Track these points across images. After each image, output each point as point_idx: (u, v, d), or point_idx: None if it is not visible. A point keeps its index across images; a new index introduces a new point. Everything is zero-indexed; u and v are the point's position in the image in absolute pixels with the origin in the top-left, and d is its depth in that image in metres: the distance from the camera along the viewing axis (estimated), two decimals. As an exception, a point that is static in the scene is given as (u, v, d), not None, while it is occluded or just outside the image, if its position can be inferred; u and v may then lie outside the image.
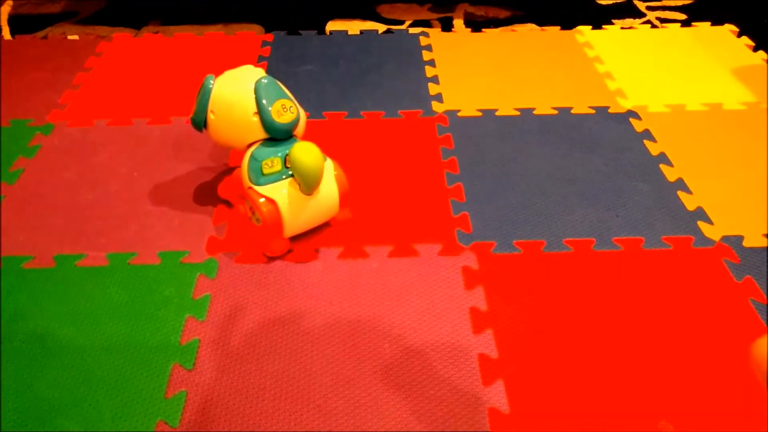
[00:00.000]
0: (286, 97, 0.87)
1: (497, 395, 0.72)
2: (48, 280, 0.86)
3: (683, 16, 1.57)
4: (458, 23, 1.55)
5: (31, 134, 1.13)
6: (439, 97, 1.25)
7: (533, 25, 1.53)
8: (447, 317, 0.81)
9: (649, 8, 1.62)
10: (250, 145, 0.88)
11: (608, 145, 1.12)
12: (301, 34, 1.49)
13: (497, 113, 1.21)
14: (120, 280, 0.86)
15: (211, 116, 0.87)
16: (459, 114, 1.21)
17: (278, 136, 0.87)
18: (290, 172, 0.85)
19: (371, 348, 0.77)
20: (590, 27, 1.52)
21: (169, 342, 0.78)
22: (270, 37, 1.47)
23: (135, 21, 1.55)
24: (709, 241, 0.92)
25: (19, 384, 0.73)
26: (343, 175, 0.91)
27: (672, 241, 0.92)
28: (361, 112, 1.21)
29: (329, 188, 0.89)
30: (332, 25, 1.54)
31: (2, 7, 1.59)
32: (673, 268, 0.88)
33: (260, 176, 0.85)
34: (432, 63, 1.37)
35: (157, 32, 1.50)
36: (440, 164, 1.08)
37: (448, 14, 1.60)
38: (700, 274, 0.87)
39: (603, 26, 1.52)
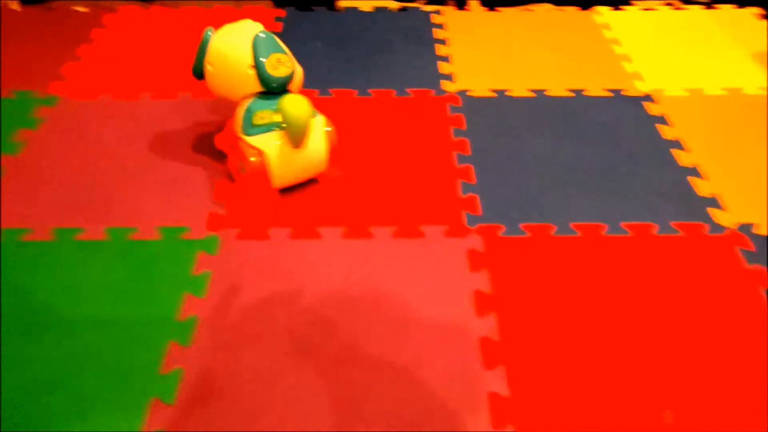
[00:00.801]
0: (281, 51, 0.89)
1: (498, 379, 0.70)
2: (46, 254, 0.85)
3: (706, -2, 1.52)
4: (473, 2, 1.51)
5: (33, 106, 1.12)
6: (450, 77, 1.22)
7: (550, 5, 1.49)
8: (450, 299, 0.79)
9: (670, -11, 1.56)
10: (245, 97, 0.89)
11: (621, 129, 1.09)
12: (312, 10, 1.46)
13: (510, 94, 1.18)
14: (119, 255, 0.85)
15: (208, 68, 0.90)
16: (471, 94, 1.17)
17: (273, 89, 0.88)
18: (279, 126, 0.87)
19: (371, 329, 0.76)
20: (609, 8, 1.47)
21: (167, 318, 0.77)
22: (282, 12, 1.44)
23: (144, -6, 1.52)
24: (722, 228, 0.89)
25: (14, 359, 0.72)
26: (335, 132, 0.92)
27: (683, 227, 0.89)
28: (371, 90, 1.18)
29: (318, 143, 0.91)
30: (344, 2, 1.50)
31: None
32: (684, 255, 0.85)
33: (250, 127, 0.88)
34: (444, 42, 1.34)
35: (165, 5, 1.48)
36: (450, 144, 1.05)
37: (463, -8, 1.55)
38: (712, 262, 0.84)
39: (622, 7, 1.48)
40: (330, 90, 1.18)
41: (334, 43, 1.33)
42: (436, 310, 0.78)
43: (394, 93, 1.18)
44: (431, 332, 0.75)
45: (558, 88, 1.19)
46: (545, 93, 1.18)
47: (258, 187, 0.90)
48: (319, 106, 1.13)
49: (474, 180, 0.98)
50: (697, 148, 1.03)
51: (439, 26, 1.40)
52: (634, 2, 1.50)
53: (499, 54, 1.30)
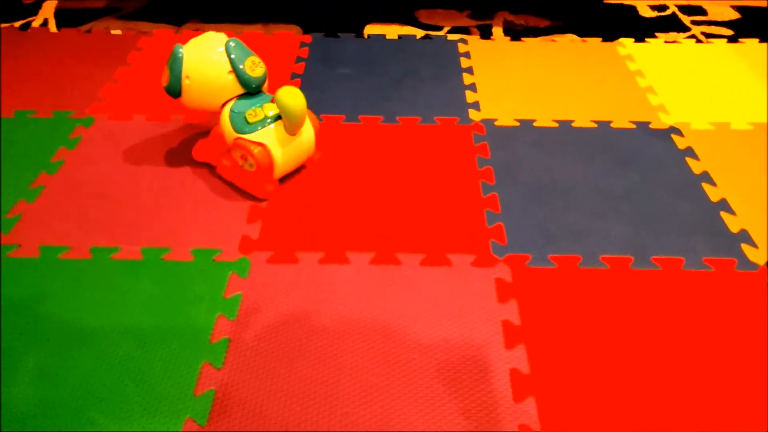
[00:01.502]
0: (253, 54, 0.97)
1: (528, 412, 0.70)
2: (84, 272, 0.87)
3: (729, 32, 1.53)
4: (497, 31, 1.54)
5: (72, 126, 1.15)
6: (476, 105, 1.24)
7: (574, 36, 1.51)
8: (479, 330, 0.80)
9: (694, 23, 1.58)
10: (225, 104, 0.97)
11: (649, 162, 1.09)
12: (339, 37, 1.49)
13: (535, 124, 1.19)
14: (153, 275, 0.87)
15: (186, 81, 0.95)
16: (496, 123, 1.19)
17: (253, 89, 0.97)
18: (272, 119, 0.95)
19: (401, 357, 0.76)
20: (633, 40, 1.49)
21: (200, 340, 0.78)
22: (308, 38, 1.48)
23: (176, 18, 1.57)
24: (754, 265, 0.89)
25: (51, 373, 0.74)
26: (315, 117, 1.02)
27: (713, 263, 0.89)
28: (397, 117, 1.20)
29: (308, 129, 1.00)
30: (370, 29, 1.54)
31: (49, 1, 1.63)
32: (714, 291, 0.85)
33: (246, 125, 0.95)
34: (470, 70, 1.36)
35: (197, 29, 1.52)
36: (476, 173, 1.06)
37: (487, 22, 1.58)
38: (743, 299, 0.84)
39: (646, 39, 1.49)
40: (358, 116, 1.20)
41: (361, 69, 1.36)
42: (465, 341, 0.78)
43: (419, 120, 1.20)
44: (461, 362, 0.76)
45: (583, 119, 1.20)
46: (570, 124, 1.19)
47: (263, 179, 0.97)
48: (347, 133, 1.15)
49: (499, 209, 0.99)
50: (725, 183, 1.04)
51: (465, 55, 1.42)
52: (657, 35, 1.52)
53: (524, 84, 1.32)
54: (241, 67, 0.95)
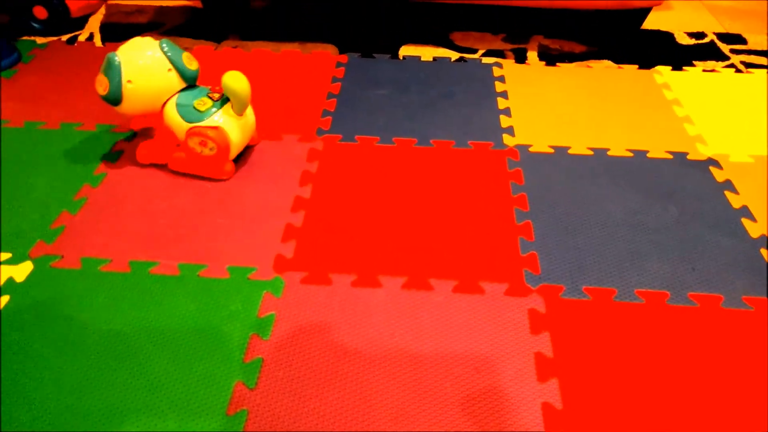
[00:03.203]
0: (185, 50, 1.05)
1: (561, 449, 0.70)
2: (123, 285, 0.89)
3: (770, 62, 1.51)
4: (532, 55, 1.54)
5: (114, 139, 1.18)
6: (510, 130, 1.24)
7: (609, 62, 1.51)
8: (511, 361, 0.80)
9: (733, 51, 1.56)
10: (166, 102, 1.04)
11: (686, 194, 1.08)
12: (374, 57, 1.51)
13: (570, 151, 1.19)
14: (190, 291, 0.88)
15: (128, 85, 1.00)
16: (530, 149, 1.19)
17: (192, 82, 1.06)
18: (220, 105, 1.04)
19: (433, 385, 0.76)
20: (670, 68, 1.48)
21: (234, 358, 0.79)
22: (344, 58, 1.50)
23: (216, 35, 1.60)
24: (794, 305, 0.87)
25: (88, 384, 0.75)
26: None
27: (754, 302, 0.88)
28: (431, 141, 1.21)
29: (250, 112, 1.10)
30: (405, 50, 1.55)
31: (95, 16, 1.68)
32: (754, 332, 0.83)
33: (198, 114, 1.03)
34: (504, 95, 1.36)
35: (236, 47, 1.55)
36: (510, 200, 1.06)
37: (522, 45, 1.59)
38: (783, 341, 0.82)
39: (683, 68, 1.48)
40: (392, 138, 1.21)
41: (396, 91, 1.37)
42: (497, 372, 0.78)
43: (453, 144, 1.20)
44: (493, 394, 0.75)
45: (618, 147, 1.20)
46: (606, 152, 1.18)
47: (222, 160, 1.06)
48: (382, 155, 1.16)
49: (533, 237, 0.99)
50: (765, 218, 1.02)
51: (499, 79, 1.43)
52: (695, 63, 1.51)
53: (559, 109, 1.31)
54: (180, 61, 1.02)
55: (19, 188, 1.06)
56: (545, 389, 0.76)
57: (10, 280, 0.89)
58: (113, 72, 0.99)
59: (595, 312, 0.86)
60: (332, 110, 1.29)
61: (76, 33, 1.59)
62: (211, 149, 1.03)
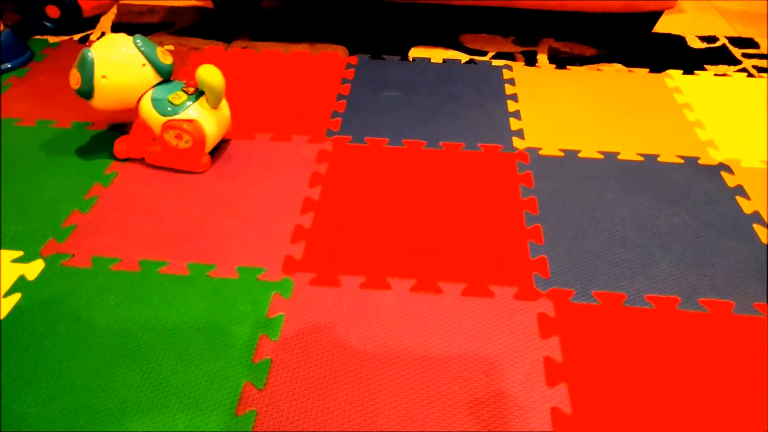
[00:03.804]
0: (159, 45, 1.07)
1: (570, 454, 0.69)
2: (133, 284, 0.89)
3: (782, 67, 1.50)
4: (542, 58, 1.54)
5: (125, 139, 1.19)
6: (520, 133, 1.24)
7: (620, 66, 1.50)
8: (520, 365, 0.79)
9: (745, 55, 1.55)
10: (141, 96, 1.06)
11: (697, 199, 1.07)
12: (384, 59, 1.51)
13: (580, 155, 1.18)
14: (199, 291, 0.88)
15: (102, 80, 1.02)
16: (540, 152, 1.19)
17: (167, 76, 1.08)
18: (195, 98, 1.07)
19: (441, 388, 0.76)
20: (681, 72, 1.47)
21: (243, 359, 0.79)
22: (354, 59, 1.50)
23: (226, 35, 1.61)
24: (806, 313, 0.87)
25: (99, 383, 0.76)
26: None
27: (765, 308, 0.87)
28: (441, 143, 1.21)
29: (225, 105, 1.12)
30: (415, 52, 1.55)
31: (106, 16, 1.69)
32: (766, 339, 0.83)
33: (173, 107, 1.05)
34: (514, 97, 1.36)
35: (246, 47, 1.55)
36: (519, 203, 1.06)
37: (532, 48, 1.58)
38: (795, 349, 0.81)
39: (695, 72, 1.47)
40: (401, 140, 1.21)
41: (405, 93, 1.37)
42: (506, 375, 0.78)
43: (463, 146, 1.20)
44: (501, 398, 0.75)
45: (629, 151, 1.19)
46: (616, 156, 1.18)
47: (198, 153, 1.07)
48: (391, 156, 1.16)
49: (542, 241, 0.99)
50: (774, 225, 1.02)
51: (509, 81, 1.42)
52: (707, 67, 1.50)
53: (569, 113, 1.31)
54: (155, 56, 1.04)
55: (31, 187, 1.07)
56: (554, 394, 0.76)
57: (22, 278, 0.89)
58: (86, 67, 1.01)
59: (604, 317, 0.86)
60: (342, 112, 1.30)
61: (88, 32, 1.60)
62: (186, 142, 1.06)
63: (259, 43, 1.57)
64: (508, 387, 0.77)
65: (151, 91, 1.07)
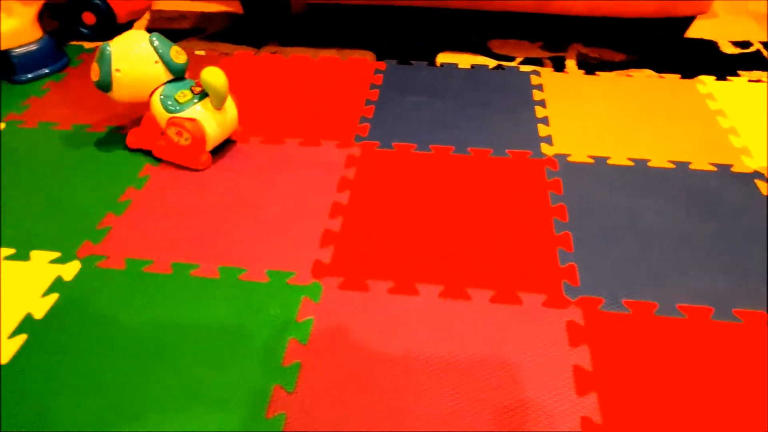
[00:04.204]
0: (175, 44, 1.11)
1: (600, 465, 0.69)
2: (165, 286, 0.91)
3: (820, 73, 1.47)
4: (570, 64, 1.53)
5: (158, 143, 1.21)
6: (549, 140, 1.23)
7: (650, 71, 1.48)
8: (549, 373, 0.79)
9: (780, 61, 1.52)
10: (153, 92, 1.10)
11: (730, 207, 1.06)
12: (412, 64, 1.51)
13: (609, 162, 1.17)
14: (230, 294, 0.90)
15: (117, 74, 1.07)
16: (569, 159, 1.18)
17: (179, 75, 1.12)
18: (199, 98, 1.10)
19: (470, 395, 0.76)
20: (713, 77, 1.45)
21: (272, 362, 0.80)
22: (382, 65, 1.50)
23: (255, 40, 1.63)
24: None
25: (129, 386, 0.77)
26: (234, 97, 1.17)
27: (802, 321, 0.85)
28: (469, 149, 1.21)
29: (231, 106, 1.15)
30: (442, 57, 1.55)
31: (139, 21, 1.72)
32: (802, 352, 0.81)
33: (177, 105, 1.09)
34: (542, 103, 1.35)
35: (275, 52, 1.57)
36: (548, 209, 1.05)
37: (560, 54, 1.57)
38: (834, 362, 0.79)
39: (728, 77, 1.45)
40: (429, 146, 1.22)
41: (433, 98, 1.37)
42: (534, 383, 0.77)
43: (491, 152, 1.20)
44: (529, 406, 0.75)
45: (660, 158, 1.18)
46: (647, 163, 1.17)
47: (198, 151, 1.11)
48: (418, 162, 1.17)
49: (572, 248, 0.98)
50: (812, 235, 0.99)
51: (537, 87, 1.42)
52: (740, 73, 1.47)
53: (598, 119, 1.30)
54: (168, 54, 1.09)
55: (67, 189, 1.10)
56: (584, 403, 0.75)
57: (59, 279, 0.91)
58: (104, 61, 1.07)
59: (635, 326, 0.85)
60: (370, 117, 1.30)
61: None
62: (186, 139, 1.10)
63: (288, 49, 1.59)
64: (537, 395, 0.76)
65: (161, 88, 1.11)
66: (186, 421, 0.73)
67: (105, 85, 1.09)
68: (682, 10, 1.43)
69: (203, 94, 1.12)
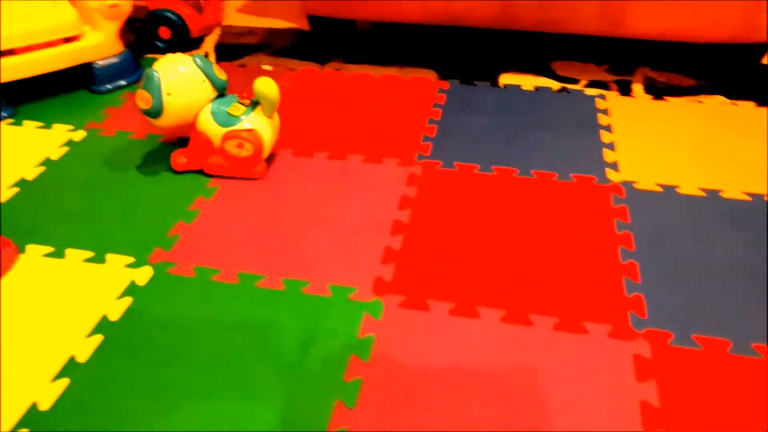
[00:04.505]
0: (214, 63, 1.14)
1: (669, 508, 0.66)
2: (231, 296, 0.93)
3: None
4: (637, 88, 1.50)
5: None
6: (615, 165, 1.21)
7: (723, 98, 1.44)
8: (615, 407, 0.77)
9: None
10: (198, 112, 1.13)
11: (810, 244, 1.01)
12: (475, 85, 1.52)
13: (679, 190, 1.14)
14: (293, 306, 0.91)
15: (167, 97, 1.09)
16: (636, 186, 1.15)
17: (223, 91, 1.16)
18: (251, 109, 1.14)
19: (531, 425, 0.75)
20: (791, 106, 1.39)
21: (334, 377, 0.81)
22: (445, 84, 1.51)
23: (320, 57, 1.67)
24: None
25: (194, 389, 0.80)
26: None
27: None
28: (532, 171, 1.20)
29: (275, 114, 1.19)
30: (505, 78, 1.55)
31: (210, 36, 1.79)
32: None
33: (233, 119, 1.13)
34: (609, 128, 1.33)
35: (338, 69, 1.60)
36: (614, 237, 1.03)
37: (627, 77, 1.55)
38: None
39: (807, 106, 1.39)
40: (492, 167, 1.21)
41: (497, 119, 1.37)
42: (599, 417, 0.76)
43: (555, 176, 1.19)
44: (596, 440, 0.73)
45: (733, 189, 1.14)
46: (719, 194, 1.13)
47: (256, 160, 1.15)
48: (481, 183, 1.16)
49: (639, 278, 0.95)
50: None
51: (603, 111, 1.39)
52: (820, 102, 1.41)
53: (667, 146, 1.26)
54: (213, 73, 1.12)
55: (141, 196, 1.15)
56: (652, 442, 0.73)
57: (133, 284, 0.95)
58: (154, 86, 1.09)
59: (706, 363, 0.82)
60: (432, 136, 1.31)
61: (194, 52, 1.70)
62: (247, 150, 1.13)
63: (352, 66, 1.62)
64: (602, 429, 0.74)
65: (209, 106, 1.14)
66: (251, 429, 0.75)
67: (157, 111, 1.10)
68: (760, 36, 1.38)
69: (253, 105, 1.15)
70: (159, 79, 1.09)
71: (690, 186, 1.15)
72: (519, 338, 0.86)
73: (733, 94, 1.44)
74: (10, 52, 1.34)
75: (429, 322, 0.89)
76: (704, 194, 1.13)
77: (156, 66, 1.11)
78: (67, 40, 1.40)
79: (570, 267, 0.98)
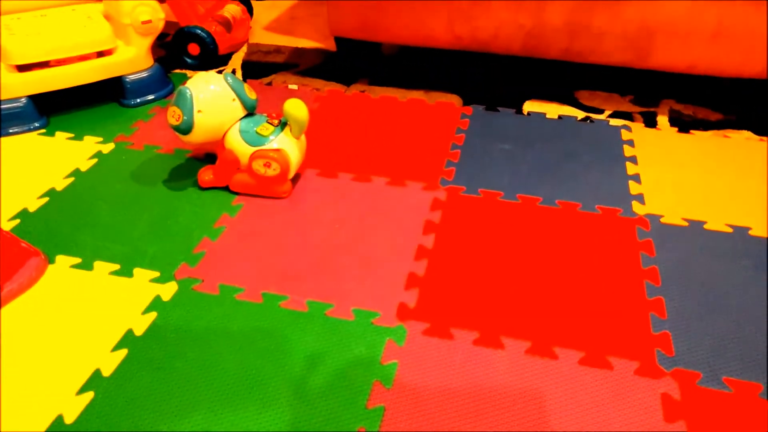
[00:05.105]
0: (245, 83, 1.16)
1: None
2: (255, 315, 0.93)
3: None
4: (662, 120, 1.49)
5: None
6: (640, 198, 1.20)
7: (749, 133, 1.43)
8: (642, 448, 0.75)
9: None
10: (227, 130, 1.15)
11: (841, 286, 0.99)
12: (498, 111, 1.52)
13: (706, 226, 1.13)
14: (317, 328, 0.91)
15: (198, 115, 1.11)
16: (662, 220, 1.14)
17: (252, 110, 1.17)
18: (280, 129, 1.15)
19: (558, 462, 0.74)
20: (819, 144, 1.38)
21: (357, 403, 0.80)
22: (468, 110, 1.52)
23: (346, 78, 1.69)
24: None
25: (218, 408, 0.79)
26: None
27: None
28: (557, 201, 1.19)
29: (303, 135, 1.20)
30: (529, 106, 1.55)
31: (237, 53, 1.82)
32: None
33: (261, 138, 1.14)
34: (634, 159, 1.33)
35: (363, 91, 1.62)
36: (639, 272, 1.02)
37: (652, 109, 1.54)
38: None
39: (835, 145, 1.38)
40: (516, 194, 1.21)
41: (521, 147, 1.37)
42: (628, 456, 0.74)
43: (579, 206, 1.18)
44: (623, 480, 0.72)
45: (762, 227, 1.12)
46: (747, 231, 1.12)
47: (282, 180, 1.16)
48: (505, 210, 1.16)
49: (665, 315, 0.94)
50: None
51: (628, 143, 1.39)
52: None
53: (693, 180, 1.26)
54: (243, 92, 1.14)
55: (168, 211, 1.16)
56: (681, 485, 0.71)
57: (158, 298, 0.96)
58: (186, 103, 1.10)
59: (737, 407, 0.80)
60: (456, 161, 1.31)
61: (221, 68, 1.73)
62: (274, 170, 1.14)
63: (377, 88, 1.63)
64: (629, 470, 0.73)
65: (237, 124, 1.15)
66: (271, 454, 0.74)
67: (187, 128, 1.11)
68: (788, 73, 1.38)
69: (282, 125, 1.17)
70: (191, 96, 1.11)
71: (717, 222, 1.14)
72: (544, 371, 0.86)
73: (760, 130, 1.44)
74: (45, 64, 1.36)
75: (453, 351, 0.88)
76: (731, 230, 1.12)
77: (189, 83, 1.13)
78: (100, 54, 1.43)
79: (594, 299, 0.97)
